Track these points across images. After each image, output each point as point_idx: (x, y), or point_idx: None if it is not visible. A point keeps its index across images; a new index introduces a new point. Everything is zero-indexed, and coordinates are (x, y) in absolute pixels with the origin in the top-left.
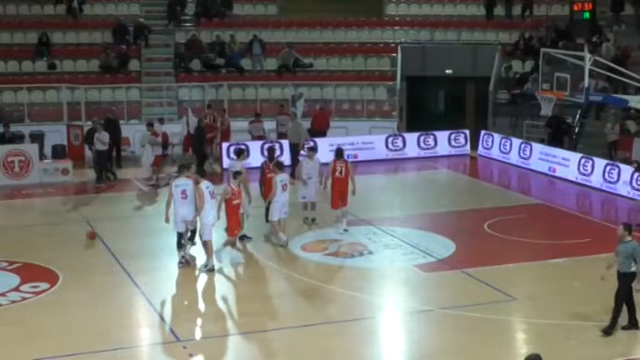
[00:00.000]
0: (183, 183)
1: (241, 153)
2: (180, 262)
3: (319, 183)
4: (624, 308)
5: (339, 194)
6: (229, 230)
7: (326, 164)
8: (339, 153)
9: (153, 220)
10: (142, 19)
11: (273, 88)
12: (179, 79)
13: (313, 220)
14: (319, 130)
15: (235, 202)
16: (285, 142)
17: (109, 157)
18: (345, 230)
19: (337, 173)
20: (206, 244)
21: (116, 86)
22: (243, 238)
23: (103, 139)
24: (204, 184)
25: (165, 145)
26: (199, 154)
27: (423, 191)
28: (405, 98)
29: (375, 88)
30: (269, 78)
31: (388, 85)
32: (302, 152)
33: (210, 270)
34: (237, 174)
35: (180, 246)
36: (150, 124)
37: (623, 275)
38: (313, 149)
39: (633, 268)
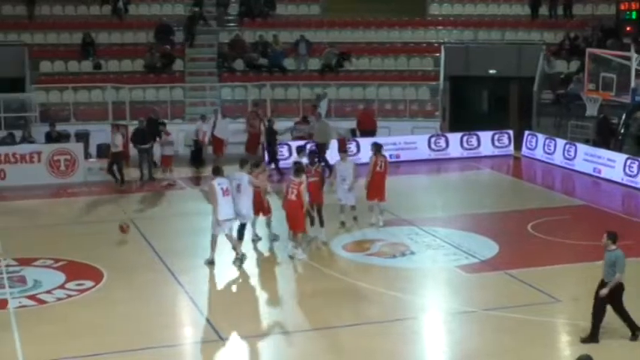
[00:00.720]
0: (239, 177)
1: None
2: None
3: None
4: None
5: (378, 188)
6: (291, 227)
7: (365, 164)
8: (379, 148)
9: (195, 220)
10: (193, 13)
11: (315, 87)
12: (222, 78)
13: (355, 218)
14: (366, 129)
15: (291, 196)
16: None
17: (124, 157)
18: (382, 226)
19: (378, 167)
20: (212, 238)
21: (160, 86)
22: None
23: (116, 141)
24: (217, 181)
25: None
26: (271, 153)
27: (465, 192)
28: (448, 98)
29: (417, 88)
30: (312, 78)
31: (431, 85)
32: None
33: (209, 263)
34: (299, 170)
35: (240, 237)
36: (162, 123)
37: (607, 284)
38: (346, 151)
39: (618, 276)
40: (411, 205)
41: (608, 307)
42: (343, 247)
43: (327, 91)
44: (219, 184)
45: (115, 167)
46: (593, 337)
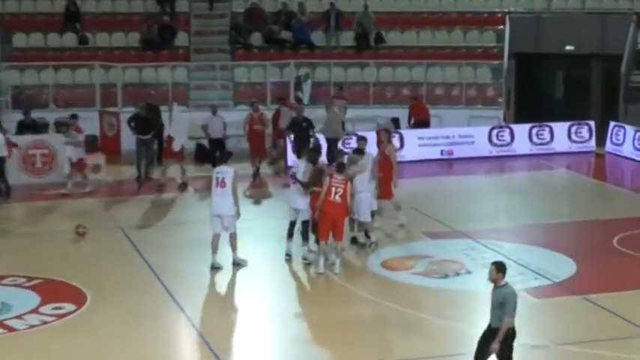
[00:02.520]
0: (225, 171)
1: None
2: (287, 255)
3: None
4: None
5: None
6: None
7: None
8: (387, 132)
9: (199, 229)
10: None
11: (349, 68)
12: (235, 56)
13: (371, 245)
14: (421, 121)
15: (335, 197)
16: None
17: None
18: (401, 225)
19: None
20: (212, 238)
21: (159, 65)
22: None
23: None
24: (216, 169)
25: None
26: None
27: (535, 197)
28: (513, 81)
29: (476, 69)
30: (345, 56)
31: (493, 64)
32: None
33: (235, 264)
34: (342, 165)
35: (290, 235)
36: (74, 116)
37: (496, 331)
38: (361, 151)
39: (507, 321)
40: (466, 213)
41: None
42: (382, 263)
43: (364, 71)
44: (216, 173)
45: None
46: None
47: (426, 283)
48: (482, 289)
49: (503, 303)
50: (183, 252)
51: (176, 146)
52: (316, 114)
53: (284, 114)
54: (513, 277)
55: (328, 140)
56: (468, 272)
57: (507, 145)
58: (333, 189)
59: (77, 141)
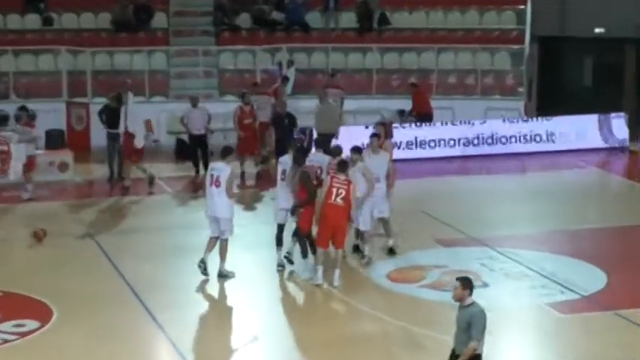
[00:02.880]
0: (284, 161)
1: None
2: (278, 266)
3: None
4: None
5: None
6: (333, 241)
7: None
8: (385, 126)
9: (178, 235)
10: None
11: (350, 53)
12: (221, 40)
13: (364, 259)
14: (423, 112)
15: (336, 200)
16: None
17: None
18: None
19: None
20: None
21: (135, 50)
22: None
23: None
24: (211, 165)
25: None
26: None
27: (561, 199)
28: (536, 68)
29: (493, 54)
30: (345, 39)
31: (512, 49)
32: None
33: (221, 276)
34: (344, 163)
35: (279, 243)
36: (23, 108)
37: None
38: (358, 150)
39: (472, 345)
40: (483, 218)
41: None
42: (388, 275)
43: (366, 57)
44: (212, 169)
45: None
46: None
47: (436, 297)
48: (501, 303)
49: (470, 324)
50: (160, 261)
51: (138, 143)
52: (308, 106)
53: (262, 105)
54: (536, 289)
55: (322, 136)
56: (485, 285)
57: (530, 140)
58: (335, 190)
59: (29, 137)
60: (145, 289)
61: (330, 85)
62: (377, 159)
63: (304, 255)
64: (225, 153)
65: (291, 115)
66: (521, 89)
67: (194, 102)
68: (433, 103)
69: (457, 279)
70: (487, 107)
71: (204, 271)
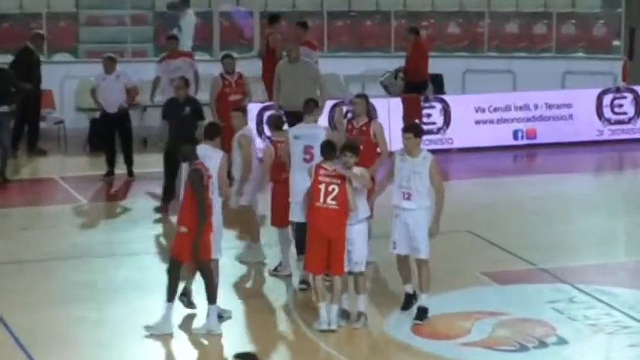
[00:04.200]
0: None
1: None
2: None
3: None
4: None
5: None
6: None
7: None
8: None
9: (83, 266)
10: None
11: None
12: None
13: (359, 318)
14: (418, 77)
15: (327, 201)
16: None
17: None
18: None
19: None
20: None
21: None
22: None
23: None
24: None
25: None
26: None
27: None
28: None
29: None
30: None
31: None
32: None
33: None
34: (330, 148)
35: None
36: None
37: None
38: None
39: None
40: (557, 239)
41: None
42: (414, 327)
43: None
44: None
45: None
46: None
47: None
48: None
49: None
50: (55, 304)
51: None
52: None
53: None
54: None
55: (291, 115)
56: (562, 341)
57: (629, 121)
58: (322, 187)
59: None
60: (31, 341)
61: (305, 42)
62: (414, 164)
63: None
64: (212, 132)
65: (194, 101)
66: (617, 43)
67: (108, 65)
68: (481, 63)
69: None
70: (566, 70)
71: (189, 304)
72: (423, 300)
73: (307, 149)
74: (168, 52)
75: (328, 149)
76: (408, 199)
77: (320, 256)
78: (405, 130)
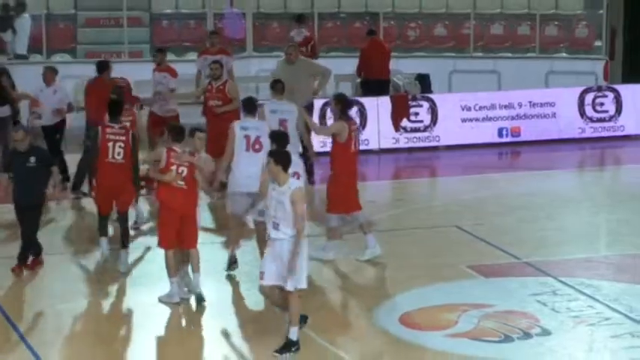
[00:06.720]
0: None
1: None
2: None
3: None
4: None
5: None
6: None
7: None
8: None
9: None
10: None
11: None
12: None
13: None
14: (376, 76)
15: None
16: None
17: None
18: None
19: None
20: None
21: None
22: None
23: None
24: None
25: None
26: None
27: None
28: (622, 13)
29: None
30: None
31: None
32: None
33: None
34: (178, 132)
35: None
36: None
37: None
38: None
39: None
40: (541, 234)
41: None
42: (401, 317)
43: None
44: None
45: None
46: None
47: (474, 351)
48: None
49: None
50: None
51: None
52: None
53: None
54: (621, 339)
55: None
56: (546, 332)
57: (610, 119)
58: (173, 168)
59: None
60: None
61: (301, 42)
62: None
63: None
64: (176, 134)
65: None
66: (599, 43)
67: (48, 75)
68: (467, 63)
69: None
70: (549, 70)
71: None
72: (291, 333)
73: (282, 122)
74: (207, 47)
75: (176, 133)
76: (276, 228)
77: (171, 235)
78: (268, 154)
